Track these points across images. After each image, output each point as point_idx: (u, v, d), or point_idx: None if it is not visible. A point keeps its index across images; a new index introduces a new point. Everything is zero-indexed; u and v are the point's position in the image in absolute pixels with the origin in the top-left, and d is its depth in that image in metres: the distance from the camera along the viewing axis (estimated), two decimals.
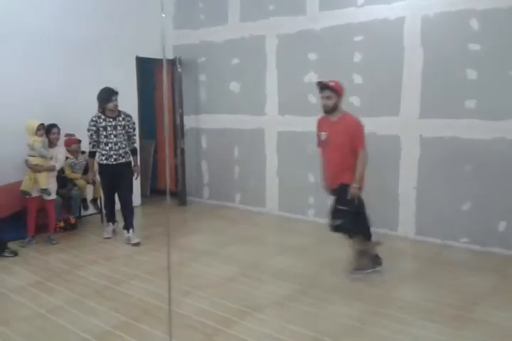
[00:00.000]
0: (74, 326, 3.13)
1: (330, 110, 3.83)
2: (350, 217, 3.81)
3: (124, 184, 4.96)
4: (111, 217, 5.29)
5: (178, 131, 6.69)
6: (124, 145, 4.89)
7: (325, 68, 5.48)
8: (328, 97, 3.79)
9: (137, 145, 5.39)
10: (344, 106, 5.27)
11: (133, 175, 5.03)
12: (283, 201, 6.12)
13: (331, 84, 3.79)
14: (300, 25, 5.60)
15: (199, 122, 6.84)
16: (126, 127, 4.90)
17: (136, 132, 5.36)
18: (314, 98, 5.61)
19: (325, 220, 5.59)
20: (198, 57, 6.69)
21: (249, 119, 6.25)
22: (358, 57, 5.21)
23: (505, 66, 4.35)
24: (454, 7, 4.56)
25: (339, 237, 5.13)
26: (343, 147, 3.76)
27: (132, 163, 5.07)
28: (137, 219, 5.26)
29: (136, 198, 6.31)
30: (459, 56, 4.58)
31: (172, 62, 6.70)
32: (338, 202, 3.90)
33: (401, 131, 5.02)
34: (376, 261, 4.01)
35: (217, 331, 3.06)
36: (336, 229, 3.92)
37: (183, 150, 6.72)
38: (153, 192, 7.43)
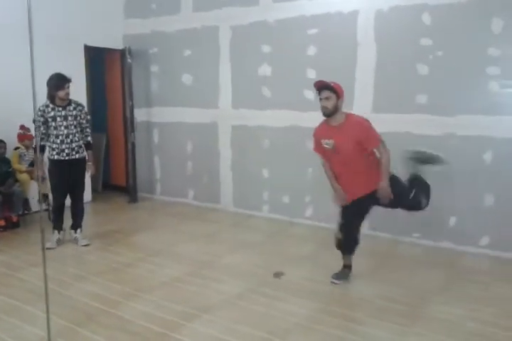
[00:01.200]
0: (7, 334, 2.91)
1: (330, 113, 3.44)
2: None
3: (76, 182, 4.59)
4: (58, 224, 4.68)
5: (128, 124, 6.44)
6: (77, 139, 4.49)
7: (278, 61, 5.38)
8: (327, 98, 3.39)
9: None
10: (297, 100, 5.27)
11: (86, 172, 4.63)
12: (237, 197, 6.00)
13: (330, 83, 3.42)
14: (253, 16, 5.46)
15: (150, 115, 6.61)
16: (78, 117, 4.47)
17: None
18: (269, 91, 5.53)
19: (279, 216, 5.63)
20: (150, 47, 6.44)
21: (202, 113, 6.08)
22: (311, 51, 5.14)
23: (456, 62, 4.37)
24: (407, 1, 4.54)
25: (294, 234, 5.14)
26: (356, 153, 3.46)
27: (86, 159, 4.63)
28: (87, 216, 4.97)
29: (87, 194, 6.02)
30: (411, 51, 4.57)
31: (122, 53, 6.44)
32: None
33: None
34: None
35: (160, 335, 2.92)
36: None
37: (133, 145, 6.48)
38: (105, 187, 7.19)
